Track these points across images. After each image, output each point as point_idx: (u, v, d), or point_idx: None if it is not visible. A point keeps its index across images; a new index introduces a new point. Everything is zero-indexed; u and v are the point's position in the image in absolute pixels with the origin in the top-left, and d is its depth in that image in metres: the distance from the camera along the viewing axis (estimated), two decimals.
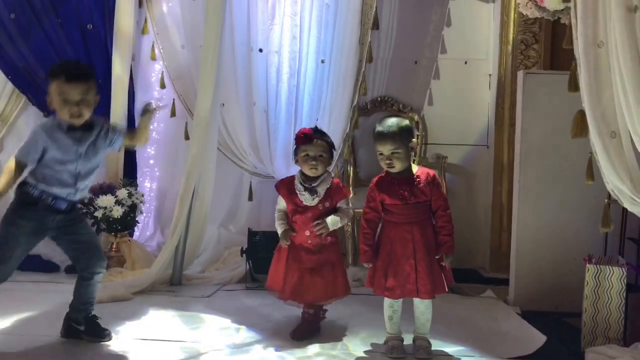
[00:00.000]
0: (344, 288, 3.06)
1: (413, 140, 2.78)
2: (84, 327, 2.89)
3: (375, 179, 2.86)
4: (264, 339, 2.98)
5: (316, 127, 3.12)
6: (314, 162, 2.95)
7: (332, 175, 3.08)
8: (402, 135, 2.73)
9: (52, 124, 2.71)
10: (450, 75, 4.75)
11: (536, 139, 3.63)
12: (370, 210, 2.82)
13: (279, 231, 3.06)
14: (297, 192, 2.99)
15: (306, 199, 2.97)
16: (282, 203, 3.09)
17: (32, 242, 2.79)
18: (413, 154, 2.83)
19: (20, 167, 2.67)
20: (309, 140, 2.95)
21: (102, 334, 2.90)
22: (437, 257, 2.76)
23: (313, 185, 2.97)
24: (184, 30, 4.53)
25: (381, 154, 2.76)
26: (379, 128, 2.76)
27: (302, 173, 3.02)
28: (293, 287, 2.98)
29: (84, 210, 4.13)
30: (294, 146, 3.03)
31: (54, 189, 2.71)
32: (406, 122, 2.82)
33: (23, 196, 2.72)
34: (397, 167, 2.75)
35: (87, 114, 2.69)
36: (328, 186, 2.99)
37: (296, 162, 3.05)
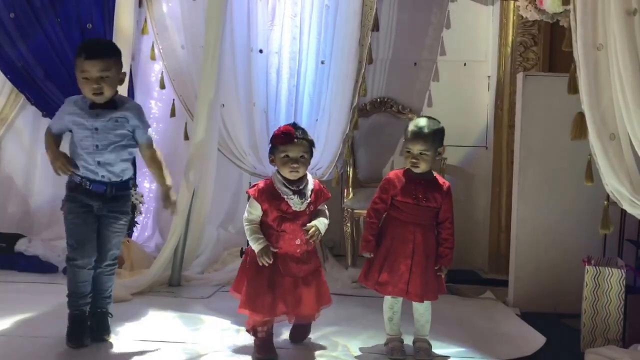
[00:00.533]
0: (329, 295, 2.89)
1: (443, 145, 2.80)
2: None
3: (392, 173, 2.85)
4: None
5: (295, 123, 2.85)
6: (295, 165, 2.68)
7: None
8: (435, 138, 2.74)
9: (77, 98, 2.77)
10: (449, 76, 4.76)
11: (535, 140, 3.65)
12: (380, 202, 2.81)
13: (257, 247, 2.68)
14: (285, 196, 2.69)
15: (295, 204, 2.69)
16: (255, 212, 2.73)
17: (91, 223, 2.81)
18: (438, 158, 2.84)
19: (48, 133, 2.83)
20: (290, 139, 2.67)
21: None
22: (435, 267, 2.77)
23: (300, 187, 2.72)
24: (184, 31, 4.53)
25: (409, 152, 2.75)
26: (413, 127, 2.75)
27: (281, 175, 2.74)
28: (287, 302, 2.71)
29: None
30: (270, 145, 2.76)
31: (86, 172, 2.77)
32: (440, 126, 2.80)
33: (68, 184, 2.84)
34: (422, 167, 2.76)
35: (108, 92, 2.70)
36: (312, 187, 2.77)
37: (272, 162, 2.76)
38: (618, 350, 2.59)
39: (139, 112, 2.84)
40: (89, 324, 2.85)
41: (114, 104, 2.76)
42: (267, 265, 2.66)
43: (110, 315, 2.94)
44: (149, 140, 2.87)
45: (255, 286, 2.70)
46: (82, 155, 2.75)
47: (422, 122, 2.76)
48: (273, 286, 2.69)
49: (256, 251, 2.68)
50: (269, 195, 2.70)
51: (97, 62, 2.65)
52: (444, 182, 2.83)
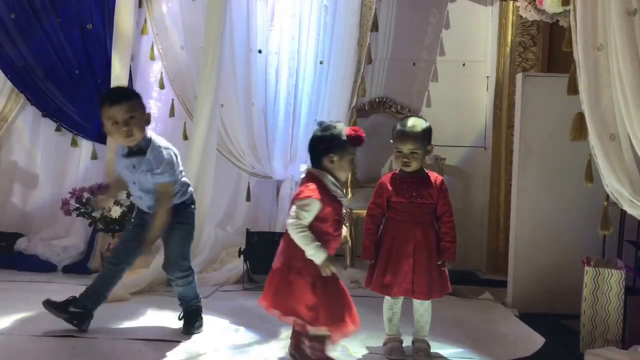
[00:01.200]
0: None
1: (431, 143, 2.82)
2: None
3: (385, 176, 2.88)
4: (263, 339, 2.98)
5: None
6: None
7: None
8: (424, 137, 2.77)
9: (118, 147, 3.07)
10: (448, 77, 4.77)
11: (535, 141, 3.65)
12: (375, 207, 2.84)
13: (322, 256, 2.46)
14: (340, 198, 2.59)
15: (343, 202, 2.67)
16: (310, 218, 2.49)
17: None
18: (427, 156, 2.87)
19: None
20: (361, 142, 2.61)
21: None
22: (438, 262, 2.77)
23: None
24: (184, 31, 4.53)
25: (400, 151, 2.78)
26: (401, 127, 2.78)
27: (333, 176, 2.58)
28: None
29: (82, 210, 4.13)
30: (330, 145, 2.56)
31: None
32: (428, 124, 2.83)
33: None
34: (413, 166, 2.78)
35: (138, 133, 2.84)
36: None
37: (331, 162, 2.55)
38: (618, 352, 2.59)
39: (154, 158, 2.89)
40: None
41: (143, 150, 2.89)
42: (330, 274, 2.50)
43: None
44: (157, 184, 2.93)
45: (336, 299, 2.54)
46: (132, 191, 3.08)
47: (410, 122, 2.80)
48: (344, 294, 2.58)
49: (321, 261, 2.46)
50: (329, 197, 2.53)
51: (122, 105, 2.81)
52: (436, 178, 2.83)
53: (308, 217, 2.47)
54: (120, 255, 3.09)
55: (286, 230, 2.54)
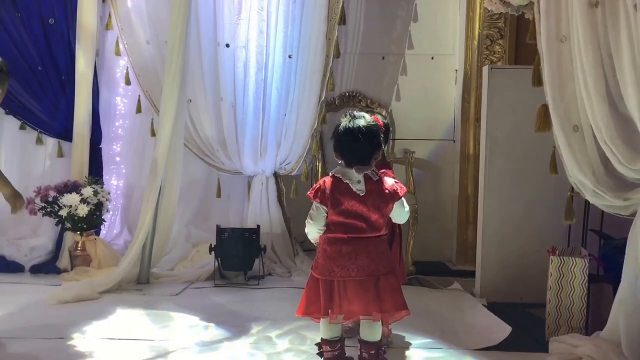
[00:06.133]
0: None
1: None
2: None
3: None
4: (233, 336, 2.97)
5: None
6: None
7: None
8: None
9: None
10: (417, 70, 4.79)
11: (501, 132, 3.69)
12: None
13: None
14: None
15: None
16: None
17: None
18: None
19: None
20: None
21: None
22: None
23: None
24: (149, 26, 4.47)
25: None
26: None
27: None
28: None
29: (48, 209, 4.07)
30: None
31: None
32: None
33: None
34: None
35: None
36: None
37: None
38: (581, 338, 2.62)
39: None
40: None
41: None
42: None
43: None
44: None
45: None
46: None
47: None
48: None
49: None
50: None
51: None
52: None
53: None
54: None
55: (376, 235, 2.37)
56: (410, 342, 2.89)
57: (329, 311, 2.35)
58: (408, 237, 4.27)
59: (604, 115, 2.43)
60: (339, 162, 2.43)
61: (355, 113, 2.43)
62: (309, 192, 2.42)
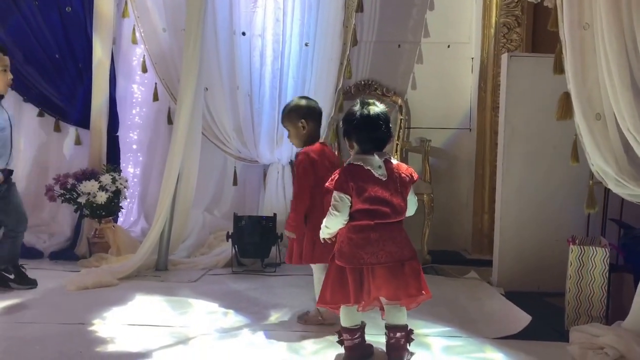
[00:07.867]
0: None
1: (302, 120, 2.91)
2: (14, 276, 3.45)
3: None
4: (252, 322, 2.98)
5: None
6: None
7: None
8: (290, 115, 2.94)
9: None
10: (433, 59, 4.76)
11: (520, 121, 3.66)
12: None
13: None
14: None
15: None
16: None
17: None
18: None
19: None
20: None
21: (29, 282, 3.48)
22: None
23: None
24: (165, 14, 4.48)
25: None
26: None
27: None
28: None
29: (67, 196, 4.10)
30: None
31: None
32: (296, 103, 2.98)
33: None
34: (294, 143, 3.00)
35: None
36: None
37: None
38: (602, 327, 2.62)
39: None
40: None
41: None
42: None
43: None
44: None
45: None
46: None
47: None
48: None
49: None
50: None
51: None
52: (298, 153, 2.93)
53: None
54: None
55: (397, 220, 2.36)
56: (428, 330, 2.89)
57: (360, 299, 2.35)
58: (424, 226, 4.28)
59: (627, 103, 2.40)
60: (351, 149, 2.43)
61: (367, 100, 2.44)
62: (327, 184, 2.41)
